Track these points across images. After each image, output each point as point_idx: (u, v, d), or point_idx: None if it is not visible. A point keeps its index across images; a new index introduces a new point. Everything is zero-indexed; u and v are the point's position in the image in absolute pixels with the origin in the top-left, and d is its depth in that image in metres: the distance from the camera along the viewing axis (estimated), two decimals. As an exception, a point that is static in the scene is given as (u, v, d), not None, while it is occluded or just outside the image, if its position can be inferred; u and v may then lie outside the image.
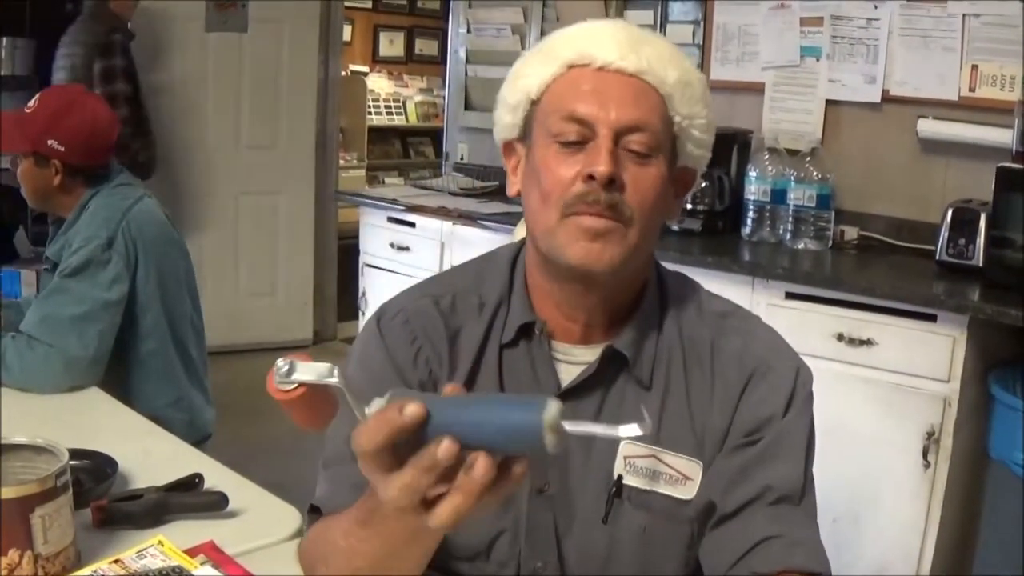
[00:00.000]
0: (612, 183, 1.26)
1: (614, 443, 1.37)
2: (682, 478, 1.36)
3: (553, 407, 0.86)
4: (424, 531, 1.11)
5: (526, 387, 1.39)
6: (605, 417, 1.37)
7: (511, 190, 1.43)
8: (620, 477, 1.37)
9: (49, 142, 2.55)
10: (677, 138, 1.35)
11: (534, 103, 1.36)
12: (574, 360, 1.40)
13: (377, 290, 4.79)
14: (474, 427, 0.89)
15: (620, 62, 1.29)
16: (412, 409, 0.90)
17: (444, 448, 0.89)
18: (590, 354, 1.39)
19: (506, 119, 1.41)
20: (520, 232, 2.00)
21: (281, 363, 0.99)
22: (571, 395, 1.38)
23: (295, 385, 0.99)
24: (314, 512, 1.38)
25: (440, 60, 8.75)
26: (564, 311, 1.39)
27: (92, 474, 1.79)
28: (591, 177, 1.26)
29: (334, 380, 0.97)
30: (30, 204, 2.75)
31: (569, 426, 0.87)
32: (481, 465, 0.89)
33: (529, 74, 1.35)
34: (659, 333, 1.40)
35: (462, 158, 5.42)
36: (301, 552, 1.35)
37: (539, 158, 1.33)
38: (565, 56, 1.32)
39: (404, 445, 0.91)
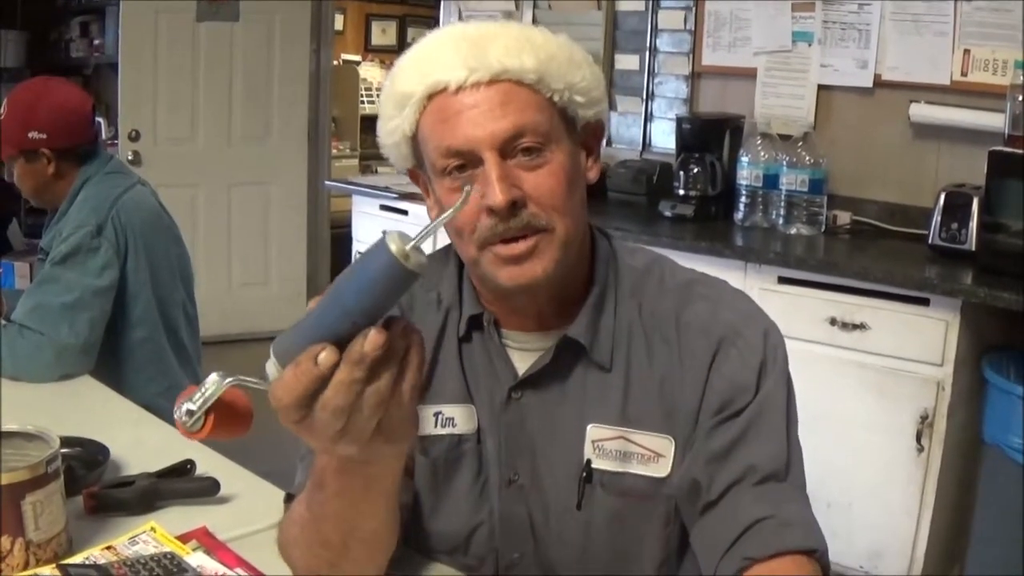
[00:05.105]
0: (514, 205, 1.24)
1: (581, 428, 1.36)
2: (654, 455, 1.35)
3: (392, 233, 0.88)
4: (378, 479, 1.13)
5: (484, 378, 1.40)
6: (569, 404, 1.37)
7: (431, 215, 1.38)
8: (589, 462, 1.36)
9: (30, 135, 2.55)
10: (566, 108, 1.31)
11: (413, 138, 1.32)
12: (530, 348, 1.39)
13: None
14: (353, 296, 0.91)
15: (473, 76, 1.24)
16: (326, 357, 0.91)
17: (371, 340, 0.89)
18: (545, 340, 1.38)
19: (395, 156, 1.38)
20: None
21: (177, 412, 0.99)
22: (530, 384, 1.38)
23: (201, 417, 0.99)
24: (291, 500, 1.39)
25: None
26: (512, 306, 1.39)
27: (84, 461, 1.78)
28: (492, 209, 1.24)
29: (228, 381, 0.98)
30: (34, 203, 2.77)
31: (416, 238, 0.89)
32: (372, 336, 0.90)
33: (393, 116, 1.31)
34: (615, 312, 1.38)
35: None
36: (278, 541, 1.35)
37: (439, 194, 1.31)
38: (419, 91, 1.27)
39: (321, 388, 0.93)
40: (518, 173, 1.25)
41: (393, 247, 0.87)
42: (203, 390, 0.98)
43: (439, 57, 1.27)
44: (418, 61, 1.30)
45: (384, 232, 0.88)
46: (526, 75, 1.26)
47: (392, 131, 1.33)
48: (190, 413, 0.98)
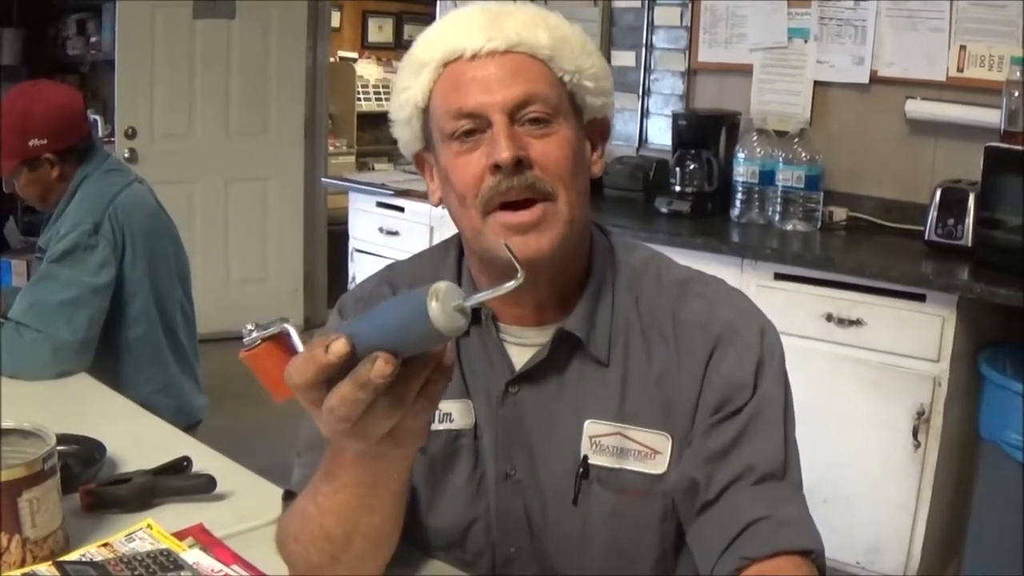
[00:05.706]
0: (520, 164, 1.25)
1: (578, 424, 1.36)
2: (651, 452, 1.35)
3: (440, 286, 0.87)
4: (386, 476, 1.14)
5: (482, 372, 1.40)
6: (566, 399, 1.37)
7: (433, 199, 1.41)
8: (586, 458, 1.36)
9: (30, 143, 2.54)
10: (574, 94, 1.34)
11: (424, 111, 1.34)
12: (528, 343, 1.39)
13: (367, 275, 4.78)
14: (380, 331, 0.91)
15: (489, 44, 1.28)
16: (336, 347, 0.92)
17: (377, 368, 0.90)
18: (544, 335, 1.38)
19: (404, 136, 1.40)
20: None
21: (246, 330, 1.06)
22: (527, 378, 1.38)
23: (257, 342, 1.05)
24: (289, 498, 1.39)
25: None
26: (512, 298, 1.38)
27: (81, 459, 1.78)
28: (497, 167, 1.25)
29: (285, 325, 1.04)
30: (40, 208, 2.75)
31: (465, 303, 0.88)
32: (380, 362, 0.90)
33: (409, 86, 1.34)
34: (613, 307, 1.39)
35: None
36: (277, 538, 1.35)
37: (445, 162, 1.32)
38: (436, 57, 1.30)
39: (338, 375, 0.93)
40: (526, 139, 1.28)
41: (432, 304, 0.86)
42: (268, 323, 1.06)
43: (458, 27, 1.31)
44: (437, 32, 1.34)
45: (432, 287, 0.87)
46: (540, 50, 1.29)
47: (404, 103, 1.35)
48: (250, 332, 1.06)
